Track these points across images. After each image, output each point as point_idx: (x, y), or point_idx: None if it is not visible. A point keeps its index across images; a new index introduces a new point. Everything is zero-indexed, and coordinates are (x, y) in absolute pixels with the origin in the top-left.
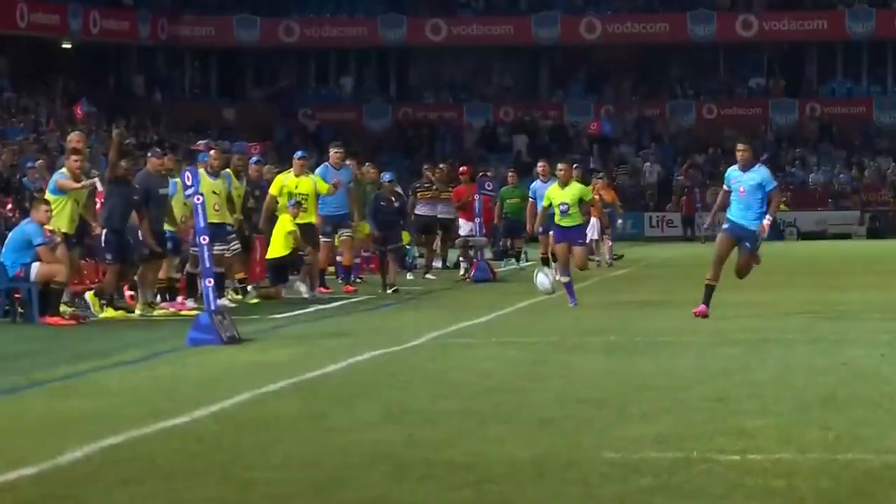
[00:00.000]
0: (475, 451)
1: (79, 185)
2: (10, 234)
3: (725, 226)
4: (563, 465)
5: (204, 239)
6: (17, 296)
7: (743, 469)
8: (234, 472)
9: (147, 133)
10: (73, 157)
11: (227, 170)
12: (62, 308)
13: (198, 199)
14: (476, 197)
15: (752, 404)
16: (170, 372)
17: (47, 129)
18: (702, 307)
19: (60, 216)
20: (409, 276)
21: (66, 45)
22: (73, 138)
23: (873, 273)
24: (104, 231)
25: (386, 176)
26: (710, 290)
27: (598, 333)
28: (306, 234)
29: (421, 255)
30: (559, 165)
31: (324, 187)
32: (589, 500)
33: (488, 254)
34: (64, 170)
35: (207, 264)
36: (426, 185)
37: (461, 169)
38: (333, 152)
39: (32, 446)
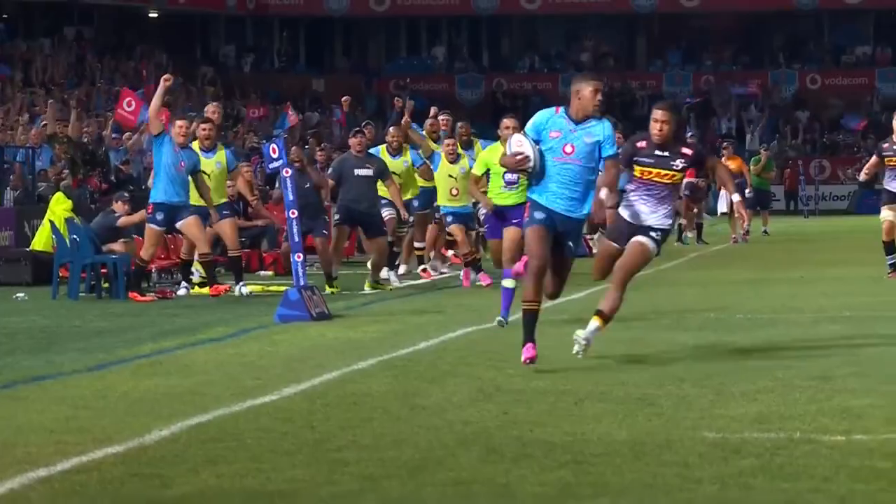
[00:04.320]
0: (570, 430)
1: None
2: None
3: (538, 215)
4: (661, 446)
5: (293, 213)
6: (102, 271)
7: (847, 450)
8: (323, 451)
9: (235, 104)
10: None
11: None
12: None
13: (286, 173)
14: None
15: (856, 383)
16: (258, 349)
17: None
18: (527, 348)
19: None
20: None
21: (153, 15)
22: (210, 108)
23: None
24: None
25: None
26: (531, 318)
27: (697, 311)
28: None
29: None
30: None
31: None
32: (687, 481)
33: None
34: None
35: (297, 239)
36: None
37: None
38: (443, 119)
39: (118, 424)
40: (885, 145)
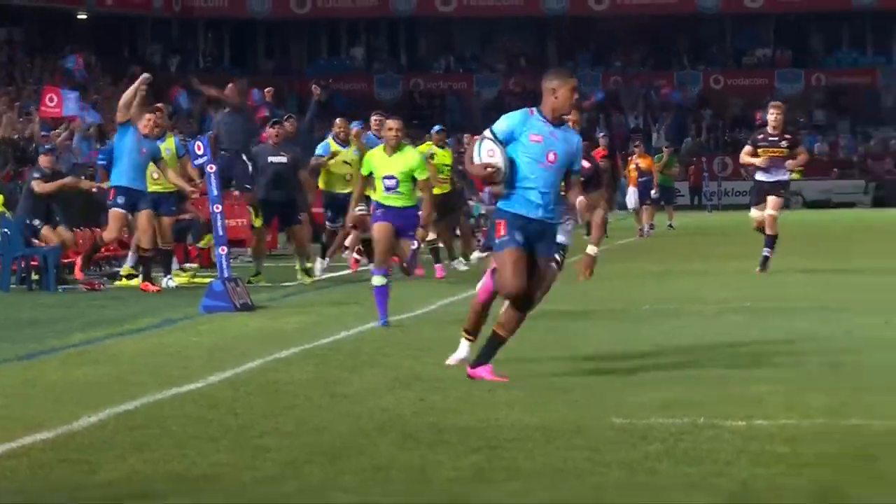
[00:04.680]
0: (484, 417)
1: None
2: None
3: (517, 237)
4: (571, 431)
5: (217, 208)
6: (33, 263)
7: (748, 435)
8: (246, 438)
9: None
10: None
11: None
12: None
13: (210, 169)
14: None
15: (757, 371)
16: (183, 339)
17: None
18: (479, 370)
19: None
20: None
21: (82, 16)
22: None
23: (878, 241)
24: None
25: (435, 128)
26: (497, 343)
27: (605, 302)
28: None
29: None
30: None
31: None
32: (597, 465)
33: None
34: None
35: (220, 232)
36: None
37: (475, 138)
38: (375, 119)
39: (47, 412)
40: (760, 136)
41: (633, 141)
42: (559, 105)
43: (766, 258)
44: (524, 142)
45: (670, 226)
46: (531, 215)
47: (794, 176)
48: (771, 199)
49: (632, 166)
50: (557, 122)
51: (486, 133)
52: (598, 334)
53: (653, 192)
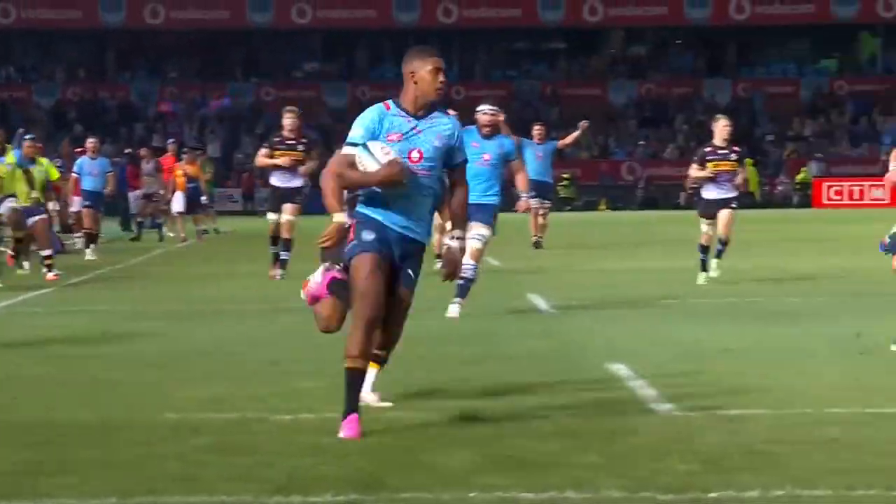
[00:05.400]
0: (42, 413)
1: None
2: None
3: (369, 237)
4: (126, 426)
5: None
6: None
7: (295, 428)
8: None
9: None
10: None
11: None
12: None
13: None
14: None
15: (304, 367)
16: None
17: None
18: (350, 422)
19: None
20: None
21: None
22: None
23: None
24: None
25: (28, 136)
26: (356, 379)
27: (163, 302)
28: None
29: None
30: None
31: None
32: (150, 458)
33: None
34: None
35: None
36: None
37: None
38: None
39: None
40: (277, 139)
41: (183, 148)
42: (422, 91)
43: (285, 260)
44: (383, 143)
45: (216, 230)
46: (392, 225)
47: None
48: (286, 206)
49: (179, 172)
50: (423, 111)
51: (351, 150)
52: (155, 333)
53: (203, 198)
